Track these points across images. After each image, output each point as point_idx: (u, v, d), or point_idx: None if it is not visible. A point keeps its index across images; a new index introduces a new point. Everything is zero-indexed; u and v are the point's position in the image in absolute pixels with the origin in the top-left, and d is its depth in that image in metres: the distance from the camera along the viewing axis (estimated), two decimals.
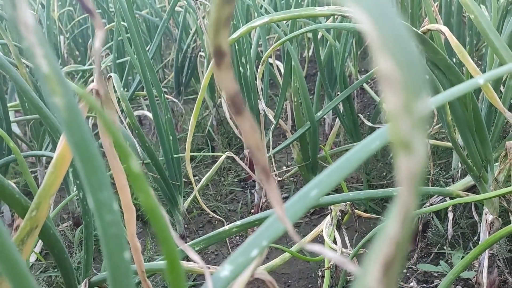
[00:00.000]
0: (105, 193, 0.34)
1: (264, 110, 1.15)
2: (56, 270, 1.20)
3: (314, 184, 0.41)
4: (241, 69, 1.27)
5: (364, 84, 1.85)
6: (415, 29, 0.77)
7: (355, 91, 1.96)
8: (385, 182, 1.40)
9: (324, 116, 1.66)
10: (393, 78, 0.16)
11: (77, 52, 2.58)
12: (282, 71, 1.41)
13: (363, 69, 2.43)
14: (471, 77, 0.75)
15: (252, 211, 1.49)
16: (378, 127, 1.50)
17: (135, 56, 1.16)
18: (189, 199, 1.25)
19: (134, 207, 0.55)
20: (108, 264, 0.34)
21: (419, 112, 0.16)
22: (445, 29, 0.73)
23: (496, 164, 0.89)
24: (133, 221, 0.58)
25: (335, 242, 0.96)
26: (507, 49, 0.73)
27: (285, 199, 1.55)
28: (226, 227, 0.88)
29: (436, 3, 1.18)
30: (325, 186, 0.41)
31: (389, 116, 0.16)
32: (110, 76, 1.14)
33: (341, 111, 1.43)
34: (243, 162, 1.71)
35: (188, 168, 0.93)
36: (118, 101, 1.11)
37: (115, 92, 1.09)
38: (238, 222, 0.85)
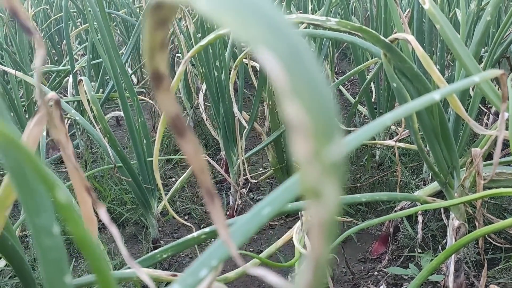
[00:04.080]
0: (43, 217, 0.33)
1: (237, 114, 1.14)
2: None
3: (267, 202, 0.40)
4: (215, 72, 1.26)
5: (341, 87, 1.86)
6: (383, 38, 0.78)
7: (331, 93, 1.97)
8: (359, 184, 1.41)
9: None
10: (302, 124, 0.16)
11: (53, 51, 2.53)
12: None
13: (340, 71, 2.44)
14: (438, 86, 0.76)
15: (228, 213, 1.49)
16: (351, 130, 1.51)
17: (107, 58, 1.14)
18: (162, 203, 1.24)
19: (95, 218, 0.54)
20: None
21: (330, 158, 0.16)
22: (411, 38, 0.74)
23: (463, 169, 0.90)
24: (93, 232, 0.57)
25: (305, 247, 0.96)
26: (471, 59, 0.74)
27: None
28: (195, 234, 0.87)
29: (409, 9, 1.19)
30: (278, 203, 0.41)
31: (298, 164, 0.16)
32: (81, 80, 1.12)
33: None
34: (220, 163, 1.70)
35: (156, 175, 0.92)
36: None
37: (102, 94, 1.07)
38: (207, 229, 0.84)
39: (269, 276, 0.34)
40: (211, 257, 0.40)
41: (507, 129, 0.69)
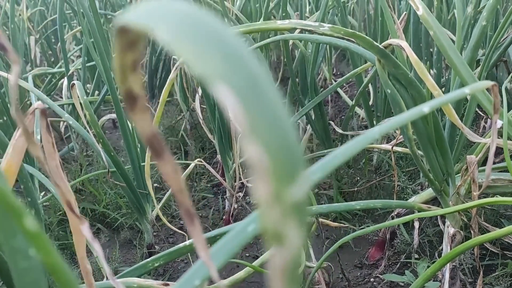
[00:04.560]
0: (18, 239, 0.33)
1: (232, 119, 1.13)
2: None
3: (252, 219, 0.40)
4: None
5: (339, 89, 1.85)
6: (376, 44, 0.77)
7: (329, 96, 1.96)
8: (356, 188, 1.40)
9: (298, 121, 1.66)
10: (262, 164, 0.15)
11: (50, 52, 2.52)
12: None
13: (338, 73, 2.43)
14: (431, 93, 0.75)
15: (224, 217, 1.48)
16: (348, 134, 1.50)
17: (100, 61, 1.13)
18: (156, 209, 1.23)
19: (86, 236, 0.54)
20: None
21: (292, 199, 0.15)
22: (405, 44, 0.73)
23: (458, 175, 0.89)
24: (82, 243, 0.56)
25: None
26: (465, 66, 0.73)
27: None
28: (187, 242, 0.86)
29: (405, 12, 1.18)
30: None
31: (259, 205, 0.15)
32: (74, 84, 1.12)
33: (313, 118, 1.43)
34: (217, 167, 1.70)
35: (148, 183, 0.92)
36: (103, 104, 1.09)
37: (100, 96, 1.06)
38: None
39: None
40: (194, 277, 0.39)
41: (500, 136, 0.68)
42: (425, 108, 0.45)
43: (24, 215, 0.24)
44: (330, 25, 0.77)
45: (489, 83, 0.47)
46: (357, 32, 0.77)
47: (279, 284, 0.15)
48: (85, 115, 1.10)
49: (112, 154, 1.13)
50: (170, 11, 0.20)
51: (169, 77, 0.77)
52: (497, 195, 0.99)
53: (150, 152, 0.28)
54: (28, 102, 1.55)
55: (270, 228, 0.15)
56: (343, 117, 1.98)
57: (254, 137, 0.15)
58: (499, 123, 0.65)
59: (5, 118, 1.22)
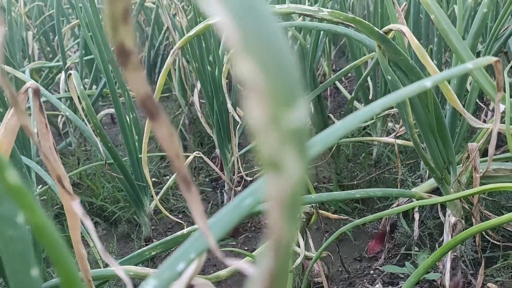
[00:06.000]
0: (5, 205, 0.31)
1: (231, 110, 1.12)
2: None
3: (249, 192, 0.38)
4: (208, 67, 1.24)
5: (338, 84, 1.84)
6: (377, 29, 0.76)
7: (328, 90, 1.95)
8: (355, 182, 1.39)
9: None
10: (257, 85, 0.14)
11: (48, 48, 2.50)
12: None
13: (338, 68, 2.42)
14: None
15: None
16: None
17: (98, 54, 1.12)
18: (155, 200, 1.22)
19: (77, 213, 0.52)
20: (12, 285, 0.31)
21: (290, 124, 0.14)
22: (405, 29, 0.72)
23: (460, 166, 0.88)
24: (77, 227, 0.54)
25: (299, 245, 0.94)
26: (466, 50, 0.72)
27: None
28: (184, 230, 0.85)
29: (405, 3, 1.17)
30: (261, 194, 0.39)
31: (254, 131, 0.14)
32: (70, 74, 1.10)
33: (312, 111, 1.41)
34: (215, 161, 1.68)
35: (145, 171, 0.90)
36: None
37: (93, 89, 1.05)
38: (196, 226, 0.82)
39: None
40: (189, 250, 0.38)
41: (502, 122, 0.67)
42: (428, 82, 0.44)
43: (7, 168, 0.23)
44: (329, 10, 0.76)
45: (492, 59, 0.46)
46: (358, 18, 0.76)
47: (277, 217, 0.14)
48: (83, 109, 1.09)
49: (109, 145, 1.12)
50: None
51: (166, 62, 0.76)
52: None
53: (144, 114, 0.27)
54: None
55: (267, 155, 0.14)
56: (342, 112, 1.97)
57: (248, 54, 0.14)
58: (502, 107, 0.64)
59: (1, 110, 1.20)
